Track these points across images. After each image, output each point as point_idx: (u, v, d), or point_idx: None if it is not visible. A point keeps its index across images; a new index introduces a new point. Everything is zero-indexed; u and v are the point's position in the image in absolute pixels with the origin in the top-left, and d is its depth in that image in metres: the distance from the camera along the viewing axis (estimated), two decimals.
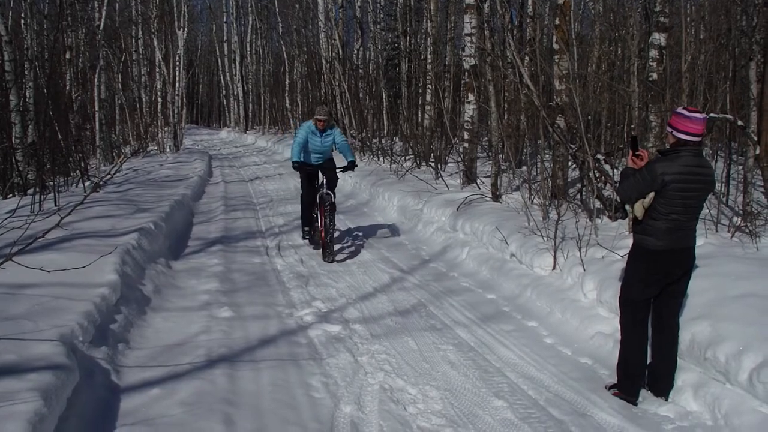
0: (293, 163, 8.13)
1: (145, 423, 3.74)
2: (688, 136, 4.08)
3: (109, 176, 12.18)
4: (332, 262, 8.02)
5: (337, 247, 8.74)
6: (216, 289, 6.64)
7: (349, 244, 9.15)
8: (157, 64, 23.96)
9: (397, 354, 5.03)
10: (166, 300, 6.22)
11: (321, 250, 8.22)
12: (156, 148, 23.21)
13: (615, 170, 8.35)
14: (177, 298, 6.34)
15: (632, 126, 8.20)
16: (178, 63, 24.72)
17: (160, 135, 23.43)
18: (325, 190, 8.21)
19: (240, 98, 40.44)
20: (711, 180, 4.25)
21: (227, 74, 42.58)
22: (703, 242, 5.96)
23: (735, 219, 6.82)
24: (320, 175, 8.47)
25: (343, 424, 3.89)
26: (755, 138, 7.08)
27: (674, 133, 4.13)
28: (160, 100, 23.74)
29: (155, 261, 7.16)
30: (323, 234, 8.13)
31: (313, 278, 7.22)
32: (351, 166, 8.45)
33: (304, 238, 9.01)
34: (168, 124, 24.05)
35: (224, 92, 44.53)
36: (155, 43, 23.99)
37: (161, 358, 4.74)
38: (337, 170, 8.47)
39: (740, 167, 8.73)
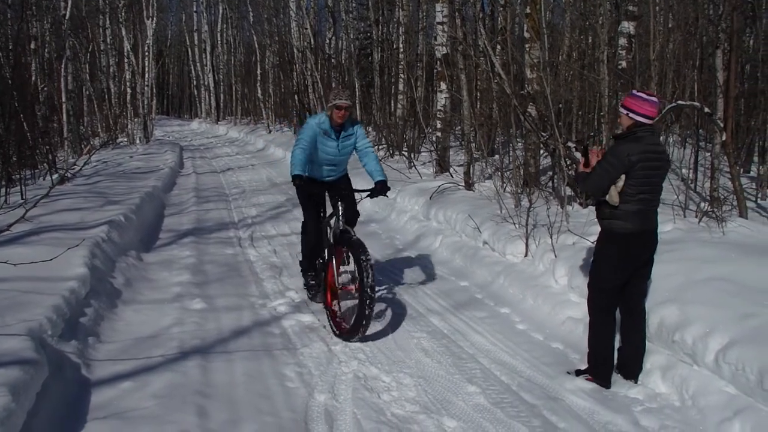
0: (294, 177, 5.18)
1: (116, 416, 3.70)
2: (645, 118, 4.17)
3: (77, 168, 12.02)
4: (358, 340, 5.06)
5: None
6: (188, 280, 6.58)
7: None
8: (125, 54, 23.57)
9: (371, 342, 5.04)
10: (137, 292, 6.15)
11: (331, 322, 5.27)
12: (126, 139, 22.87)
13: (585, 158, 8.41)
14: (148, 290, 6.27)
15: (589, 135, 8.30)
16: (147, 53, 24.34)
17: (129, 126, 23.08)
18: (341, 225, 5.40)
19: (211, 89, 39.97)
20: (668, 158, 4.42)
21: (198, 64, 42.02)
22: (671, 227, 6.07)
23: (702, 204, 6.94)
24: (337, 202, 5.60)
25: (317, 413, 3.90)
26: (722, 125, 7.20)
27: (630, 115, 4.19)
28: (129, 90, 23.37)
29: (126, 253, 7.08)
30: (336, 311, 5.32)
31: (286, 269, 7.19)
32: (383, 188, 5.50)
33: (309, 290, 6.07)
34: (138, 115, 23.70)
35: (195, 83, 43.96)
36: (123, 33, 23.58)
37: (133, 351, 4.69)
38: (362, 194, 5.57)
39: (708, 154, 8.88)
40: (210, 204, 11.59)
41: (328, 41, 22.24)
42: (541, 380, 4.43)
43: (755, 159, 10.53)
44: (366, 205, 10.89)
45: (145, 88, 24.21)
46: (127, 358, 4.55)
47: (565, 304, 5.57)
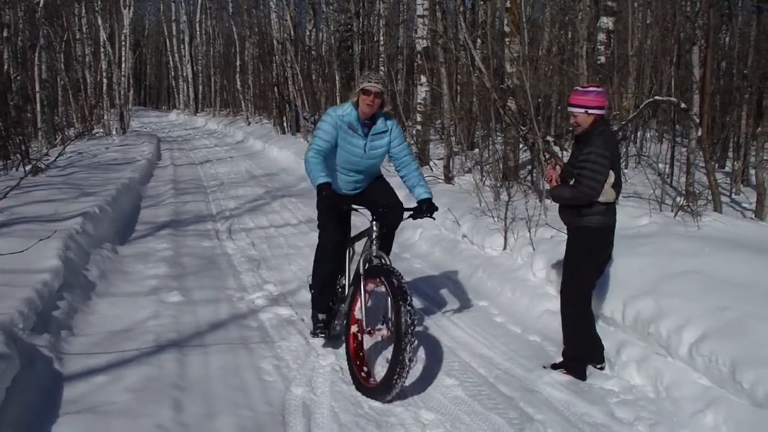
0: (321, 187, 4.11)
1: (89, 411, 3.65)
2: (601, 110, 4.21)
3: (51, 159, 11.82)
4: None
5: None
6: (165, 273, 6.51)
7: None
8: (101, 44, 23.21)
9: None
10: (112, 285, 6.07)
11: (355, 375, 4.18)
12: (102, 130, 22.55)
13: (564, 152, 8.47)
14: (124, 283, 6.20)
15: (567, 129, 8.31)
16: (124, 43, 24.03)
17: (105, 117, 22.76)
18: (375, 250, 4.30)
19: (189, 80, 39.57)
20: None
21: (176, 55, 41.57)
22: (647, 221, 6.13)
23: (678, 199, 7.00)
24: (373, 218, 4.39)
25: (295, 406, 3.87)
26: (697, 120, 7.27)
27: (591, 112, 4.18)
28: (105, 81, 23.04)
29: (101, 246, 6.98)
30: (362, 360, 4.25)
31: (264, 261, 7.15)
32: (430, 208, 4.41)
33: (316, 333, 4.77)
34: (114, 105, 23.40)
35: (173, 73, 43.49)
36: (99, 22, 23.23)
37: (107, 345, 4.63)
38: (404, 213, 4.51)
39: (684, 149, 8.97)
40: (188, 196, 11.49)
41: (308, 33, 22.08)
42: (519, 372, 4.45)
43: (730, 155, 10.68)
44: None
45: (122, 78, 23.90)
46: (102, 352, 4.48)
47: (542, 297, 5.59)
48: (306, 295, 5.96)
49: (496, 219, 7.02)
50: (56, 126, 19.17)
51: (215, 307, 5.60)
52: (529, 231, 6.39)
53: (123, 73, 24.05)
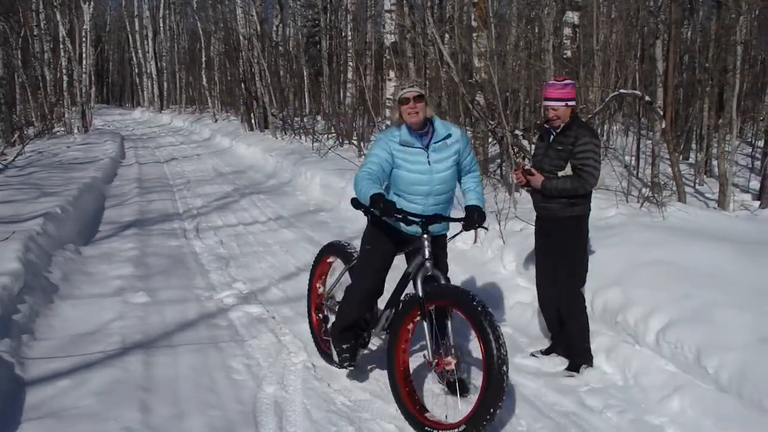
0: (374, 199, 3.45)
1: (53, 415, 3.56)
2: (574, 101, 4.24)
3: (9, 159, 11.53)
4: None
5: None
6: (130, 274, 6.39)
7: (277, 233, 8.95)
8: (61, 40, 22.70)
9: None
10: (75, 287, 5.93)
11: (414, 420, 3.63)
12: (63, 129, 22.09)
13: (532, 145, 8.53)
14: (87, 284, 6.06)
15: (536, 123, 8.39)
16: (84, 39, 23.53)
17: (66, 115, 22.29)
18: (430, 269, 3.67)
19: (154, 77, 39.00)
20: None
21: (139, 51, 40.95)
22: (614, 213, 6.20)
23: (644, 190, 7.11)
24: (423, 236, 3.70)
25: (267, 405, 3.83)
26: (661, 113, 7.38)
27: (570, 103, 4.21)
28: (65, 78, 22.55)
29: (63, 247, 6.82)
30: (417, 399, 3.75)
31: (233, 260, 7.06)
32: (480, 217, 3.76)
33: (343, 365, 4.08)
34: (75, 103, 22.91)
35: (137, 70, 42.83)
36: (59, 17, 22.71)
37: (71, 348, 4.52)
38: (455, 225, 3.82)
39: (649, 142, 9.10)
40: (153, 195, 11.30)
41: (275, 28, 21.92)
42: None
43: (693, 146, 10.86)
44: (315, 195, 10.83)
45: (83, 75, 23.40)
46: (65, 355, 4.38)
47: (513, 289, 5.62)
48: (277, 292, 5.94)
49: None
50: (14, 125, 18.71)
51: (183, 306, 5.51)
52: (499, 224, 6.41)
53: (84, 69, 23.55)
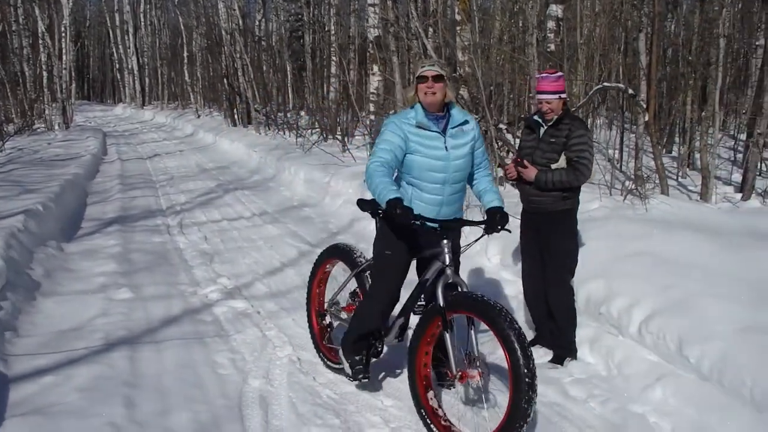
0: (391, 204, 3.19)
1: (37, 412, 3.53)
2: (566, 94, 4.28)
3: None
4: None
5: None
6: (114, 270, 6.35)
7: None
8: (40, 35, 22.40)
9: (306, 326, 4.94)
10: (58, 284, 5.88)
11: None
12: (43, 125, 21.83)
13: (516, 139, 8.55)
14: (70, 281, 6.01)
15: (519, 117, 8.44)
16: (64, 34, 23.25)
17: (47, 112, 22.03)
18: (450, 275, 3.48)
19: (135, 72, 38.62)
20: None
21: (120, 47, 40.50)
22: (598, 205, 6.25)
23: (627, 183, 7.16)
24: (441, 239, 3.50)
25: (252, 399, 3.82)
26: (644, 106, 7.43)
27: (563, 96, 4.24)
28: (45, 74, 22.27)
29: (45, 244, 6.76)
30: (438, 410, 3.55)
31: (217, 255, 7.03)
32: (503, 219, 3.54)
33: (357, 377, 3.87)
34: (56, 99, 22.64)
35: (118, 66, 42.40)
36: (37, 12, 22.42)
37: (54, 345, 4.48)
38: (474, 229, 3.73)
39: (632, 135, 9.16)
40: (136, 191, 11.22)
41: (257, 23, 21.79)
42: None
43: (677, 139, 10.95)
44: (299, 190, 10.80)
45: (63, 71, 23.12)
46: (48, 352, 4.34)
47: (498, 282, 5.64)
48: (261, 287, 5.93)
49: None
50: None
51: (167, 302, 5.48)
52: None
53: (64, 65, 23.27)
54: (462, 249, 3.76)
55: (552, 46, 8.17)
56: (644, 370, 4.06)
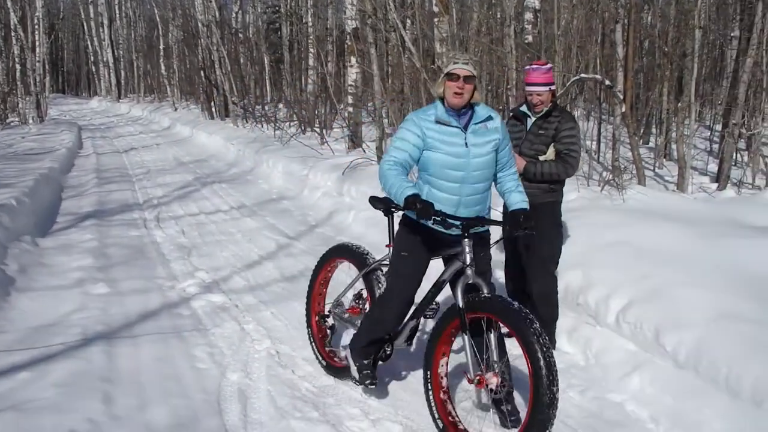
0: (410, 200, 3.08)
1: (13, 408, 3.48)
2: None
3: None
4: None
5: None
6: (90, 265, 6.26)
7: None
8: (12, 27, 22.02)
9: (285, 319, 4.96)
10: (33, 279, 5.79)
11: None
12: (17, 119, 21.48)
13: None
14: (46, 276, 5.92)
15: (499, 109, 8.45)
16: (37, 26, 22.88)
17: (20, 105, 21.68)
18: (471, 276, 3.29)
19: (111, 65, 38.14)
20: None
21: (95, 39, 39.90)
22: (575, 196, 6.28)
23: (604, 174, 7.22)
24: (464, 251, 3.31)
25: (231, 392, 3.80)
26: (621, 97, 7.48)
27: (552, 87, 4.22)
28: (18, 67, 21.90)
29: (19, 239, 6.65)
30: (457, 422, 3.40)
31: (195, 249, 6.98)
32: (527, 220, 3.30)
33: (364, 383, 3.67)
34: (29, 93, 22.29)
35: (93, 59, 41.78)
36: (9, 4, 22.02)
37: (30, 341, 4.41)
38: (503, 232, 3.42)
39: (610, 126, 9.22)
40: (113, 185, 11.10)
41: (234, 15, 21.59)
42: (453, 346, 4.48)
43: (653, 130, 11.05)
44: (277, 183, 10.75)
45: (37, 64, 22.76)
46: (24, 348, 4.27)
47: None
48: (240, 281, 5.89)
49: None
50: None
51: (145, 297, 5.43)
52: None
53: (38, 58, 22.91)
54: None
55: (530, 38, 8.19)
56: (621, 359, 4.10)
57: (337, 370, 3.99)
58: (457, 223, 3.25)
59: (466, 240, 3.27)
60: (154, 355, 4.28)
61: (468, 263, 3.27)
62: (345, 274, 4.31)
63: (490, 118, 3.32)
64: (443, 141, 3.25)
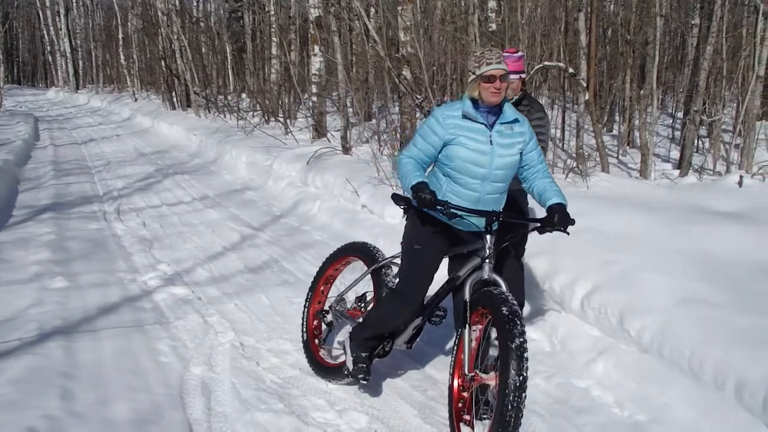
0: (417, 188, 3.09)
1: None
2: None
3: None
4: None
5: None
6: (48, 258, 6.09)
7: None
8: None
9: (249, 311, 4.90)
10: None
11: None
12: None
13: None
14: (1, 272, 5.73)
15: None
16: None
17: None
18: (488, 272, 3.23)
19: (68, 55, 37.17)
20: None
21: (51, 28, 38.86)
22: None
23: (569, 161, 7.27)
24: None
25: (194, 386, 3.73)
26: (585, 84, 7.53)
27: (522, 75, 4.16)
28: None
29: None
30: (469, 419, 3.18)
31: (157, 241, 6.84)
32: (563, 218, 3.26)
33: (357, 377, 3.53)
34: None
35: (49, 48, 40.70)
36: None
37: None
38: (530, 226, 3.49)
39: (573, 114, 9.30)
40: (71, 177, 10.83)
41: (195, 3, 21.22)
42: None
43: (617, 118, 11.16)
44: (241, 173, 10.62)
45: None
46: None
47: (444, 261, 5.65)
48: (203, 273, 5.80)
49: (394, 188, 7.03)
50: None
51: (105, 290, 5.30)
52: None
53: None
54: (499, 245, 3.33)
55: (494, 26, 8.20)
56: (587, 344, 4.13)
57: (327, 371, 3.85)
58: (479, 218, 3.19)
59: (488, 236, 3.20)
60: (115, 349, 4.18)
61: (487, 258, 3.19)
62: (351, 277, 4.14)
63: (516, 120, 3.28)
64: (468, 136, 3.19)
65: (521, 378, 2.84)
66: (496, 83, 3.12)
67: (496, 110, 3.24)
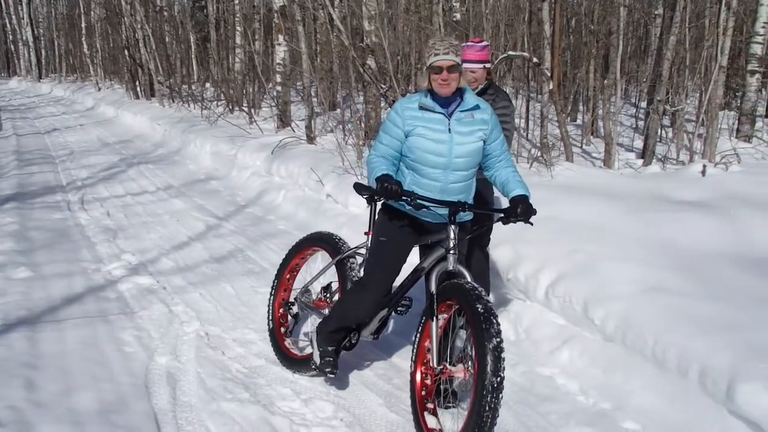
0: (381, 180, 3.07)
1: None
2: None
3: None
4: None
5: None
6: (10, 249, 5.99)
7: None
8: None
9: (214, 300, 4.88)
10: None
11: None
12: None
13: None
14: None
15: None
16: None
17: None
18: (453, 263, 3.19)
19: (30, 44, 36.28)
20: None
21: (13, 17, 37.89)
22: None
23: (533, 151, 7.35)
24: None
25: (159, 376, 3.72)
26: (549, 74, 7.61)
27: (487, 65, 4.16)
28: None
29: None
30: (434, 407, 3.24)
31: (121, 231, 6.77)
32: (526, 209, 3.23)
33: (324, 370, 3.51)
34: None
35: (11, 37, 39.68)
36: None
37: None
38: (494, 218, 3.39)
39: (538, 104, 9.39)
40: (34, 167, 10.62)
41: None
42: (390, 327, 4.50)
43: (581, 107, 11.31)
44: (205, 163, 10.52)
45: None
46: None
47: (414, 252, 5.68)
48: (168, 263, 5.76)
49: (359, 177, 7.04)
50: None
51: (69, 280, 5.24)
52: None
53: None
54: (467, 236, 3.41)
55: (458, 16, 8.23)
56: (551, 333, 4.17)
57: (293, 362, 3.83)
58: (440, 207, 3.17)
59: (452, 227, 3.17)
60: (79, 339, 4.14)
61: (451, 249, 3.17)
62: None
63: (477, 107, 3.24)
64: (426, 126, 3.17)
65: (498, 379, 2.81)
66: (443, 74, 3.10)
67: (456, 98, 3.21)
